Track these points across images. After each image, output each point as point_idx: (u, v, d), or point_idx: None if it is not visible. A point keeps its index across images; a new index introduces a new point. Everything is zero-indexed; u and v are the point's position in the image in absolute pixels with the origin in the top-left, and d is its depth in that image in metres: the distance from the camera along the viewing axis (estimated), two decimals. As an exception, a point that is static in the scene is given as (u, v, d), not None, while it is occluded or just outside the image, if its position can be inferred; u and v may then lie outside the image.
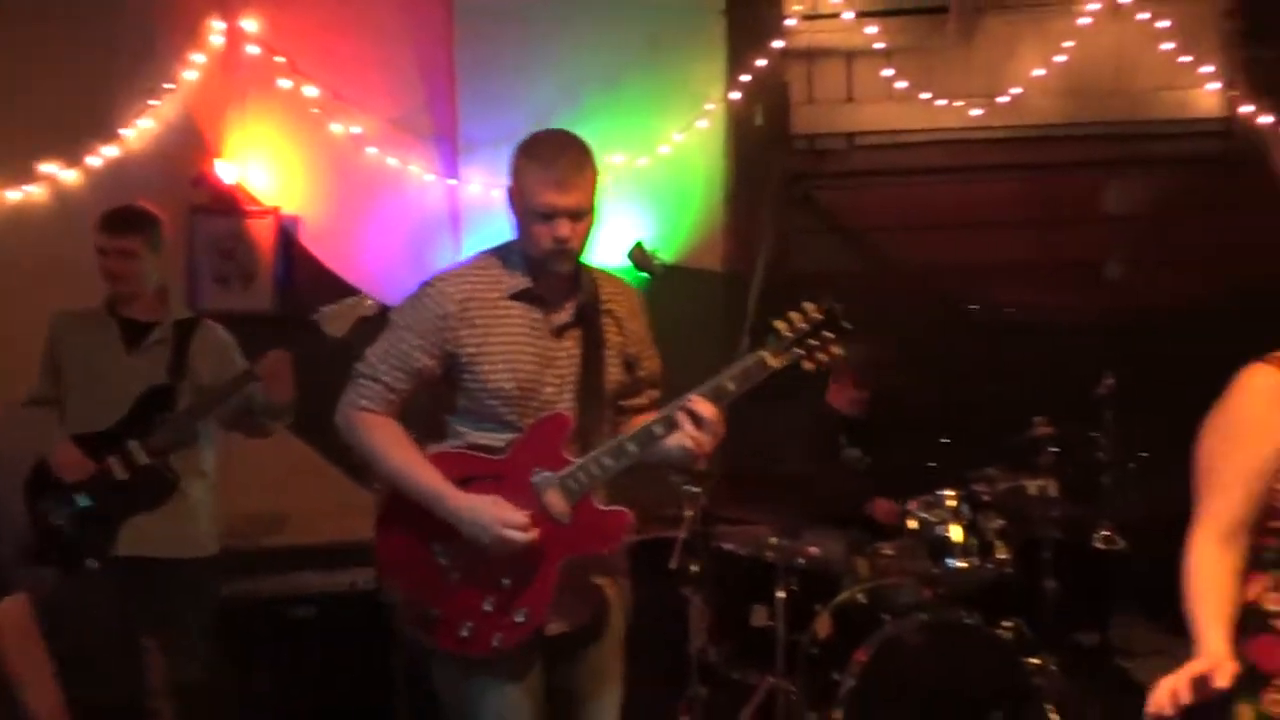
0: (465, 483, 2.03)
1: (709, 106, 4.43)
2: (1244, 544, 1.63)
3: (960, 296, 4.51)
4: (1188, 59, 4.55)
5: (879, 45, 4.47)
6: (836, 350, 2.05)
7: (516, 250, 2.12)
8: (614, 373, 2.16)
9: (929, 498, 3.29)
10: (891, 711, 2.95)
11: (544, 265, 2.07)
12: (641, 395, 2.29)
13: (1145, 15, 4.53)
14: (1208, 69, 4.60)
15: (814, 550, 3.56)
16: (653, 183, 4.50)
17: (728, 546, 3.52)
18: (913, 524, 3.30)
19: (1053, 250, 4.63)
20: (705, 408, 1.98)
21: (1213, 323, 4.00)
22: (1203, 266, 4.44)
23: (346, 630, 3.55)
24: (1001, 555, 3.27)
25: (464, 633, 2.03)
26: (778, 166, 3.37)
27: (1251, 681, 1.58)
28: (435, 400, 2.18)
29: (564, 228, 2.01)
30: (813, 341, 2.04)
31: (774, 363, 2.03)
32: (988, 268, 4.58)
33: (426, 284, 2.13)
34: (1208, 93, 4.68)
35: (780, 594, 3.14)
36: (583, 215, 2.04)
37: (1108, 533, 3.66)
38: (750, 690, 3.34)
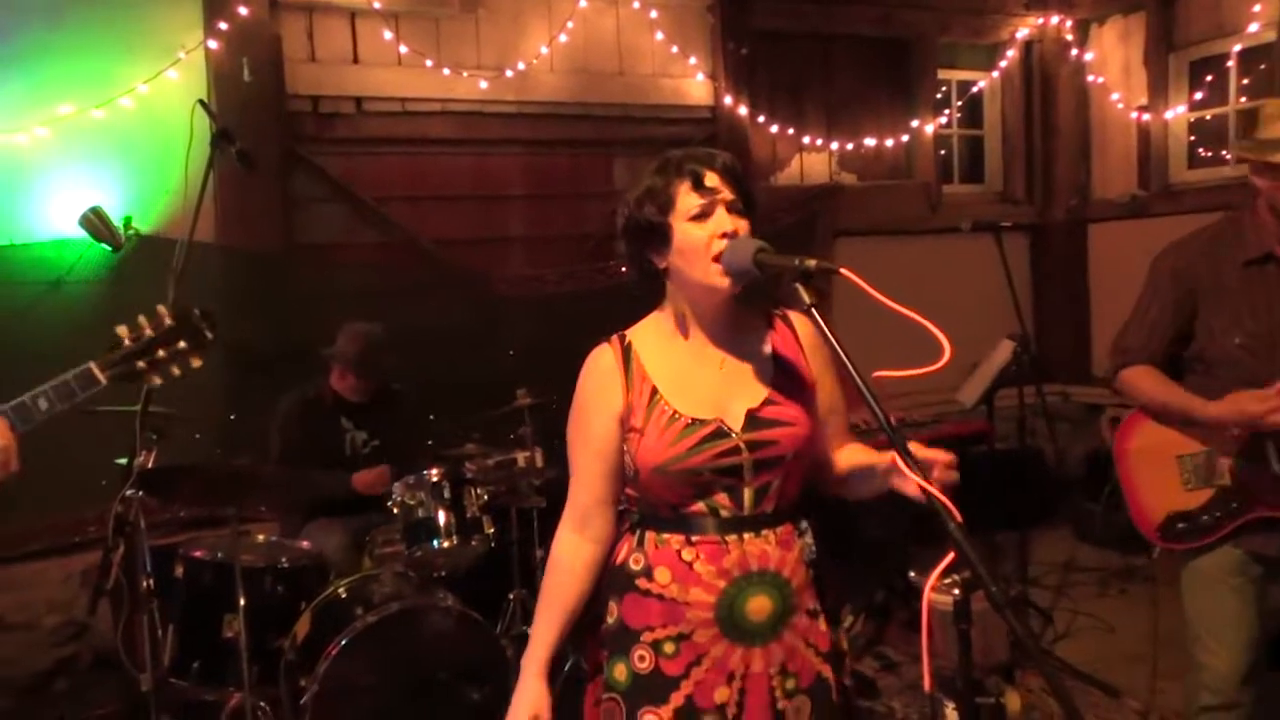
0: None
1: (181, 55, 3.90)
2: (607, 518, 1.67)
3: (469, 270, 4.46)
4: (677, 49, 4.91)
5: (378, 5, 4.24)
6: (195, 361, 1.89)
7: None
8: None
9: (411, 479, 3.15)
10: (362, 707, 2.78)
11: None
12: None
13: (637, 4, 4.80)
14: (695, 60, 5.00)
15: (304, 545, 3.31)
16: (115, 139, 3.88)
17: (196, 554, 3.11)
18: (394, 508, 3.15)
19: (557, 224, 4.76)
20: None
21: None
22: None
23: None
24: (489, 530, 3.24)
25: None
26: (215, 122, 3.02)
27: (624, 638, 1.61)
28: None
29: None
30: (161, 352, 1.86)
31: (102, 376, 1.81)
32: (496, 241, 4.59)
33: None
34: (697, 82, 5.09)
35: (242, 600, 2.82)
36: None
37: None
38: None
